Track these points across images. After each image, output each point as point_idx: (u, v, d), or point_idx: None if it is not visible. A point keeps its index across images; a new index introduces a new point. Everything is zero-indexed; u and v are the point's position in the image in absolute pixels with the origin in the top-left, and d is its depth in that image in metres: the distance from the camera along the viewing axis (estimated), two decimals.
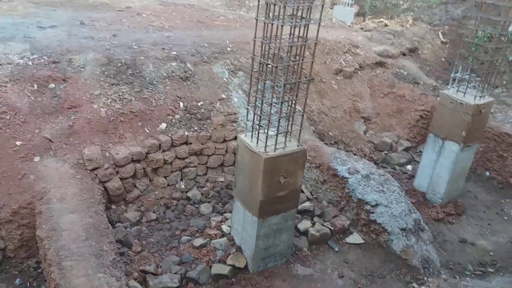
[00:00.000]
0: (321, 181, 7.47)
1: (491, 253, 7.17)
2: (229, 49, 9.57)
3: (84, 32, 9.44)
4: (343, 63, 11.04)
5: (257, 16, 4.88)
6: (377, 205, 6.48)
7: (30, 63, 7.51)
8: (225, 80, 8.72)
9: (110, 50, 8.40)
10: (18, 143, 6.43)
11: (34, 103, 6.95)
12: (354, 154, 9.63)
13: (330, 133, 9.83)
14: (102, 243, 5.09)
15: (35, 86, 7.14)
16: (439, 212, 7.91)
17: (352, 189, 6.83)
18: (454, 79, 7.77)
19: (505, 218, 8.10)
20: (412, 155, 10.18)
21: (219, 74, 8.76)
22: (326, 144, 9.20)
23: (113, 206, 6.79)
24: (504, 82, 12.96)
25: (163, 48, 8.97)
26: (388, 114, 10.84)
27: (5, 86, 6.90)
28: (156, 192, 7.47)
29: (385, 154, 10.08)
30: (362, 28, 14.65)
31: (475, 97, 7.42)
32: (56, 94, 7.22)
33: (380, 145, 10.13)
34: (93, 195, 5.98)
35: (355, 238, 6.77)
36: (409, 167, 9.72)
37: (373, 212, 6.48)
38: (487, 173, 9.40)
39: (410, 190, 8.53)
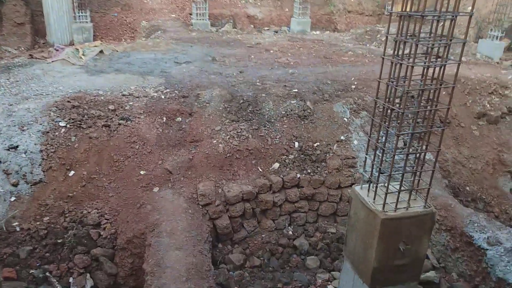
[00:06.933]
0: (452, 248, 6.33)
1: None
2: (353, 86, 9.05)
3: (214, 68, 9.95)
4: (488, 105, 9.56)
5: (384, 55, 4.33)
6: None
7: (163, 96, 8.09)
8: (346, 120, 8.19)
9: (235, 86, 8.63)
10: (142, 172, 6.85)
11: (161, 135, 7.38)
12: (496, 217, 8.11)
13: (467, 188, 8.45)
14: (201, 287, 4.96)
15: (164, 118, 7.62)
16: None
17: (491, 264, 5.59)
18: None
19: None
20: None
21: (339, 114, 8.27)
22: (461, 201, 7.90)
23: (220, 245, 6.72)
24: None
25: (285, 85, 8.89)
26: None
27: (139, 117, 7.48)
28: (263, 235, 7.20)
29: None
30: None
31: None
32: (182, 127, 7.59)
33: None
34: (200, 232, 5.98)
35: None
36: None
37: None
38: None
39: None
